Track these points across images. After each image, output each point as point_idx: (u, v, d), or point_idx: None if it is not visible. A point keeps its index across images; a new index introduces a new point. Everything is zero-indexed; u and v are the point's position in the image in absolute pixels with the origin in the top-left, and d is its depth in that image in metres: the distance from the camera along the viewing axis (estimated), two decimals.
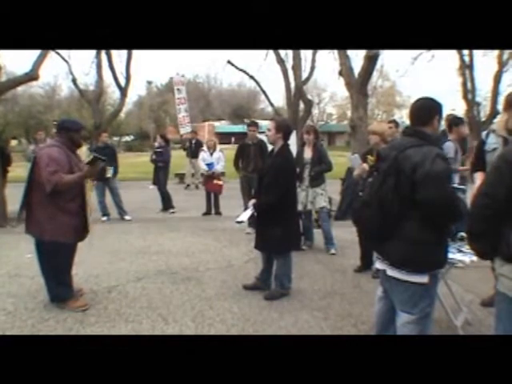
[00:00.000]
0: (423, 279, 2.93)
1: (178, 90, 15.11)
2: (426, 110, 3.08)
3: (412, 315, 3.04)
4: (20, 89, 25.83)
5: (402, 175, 2.83)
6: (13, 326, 4.49)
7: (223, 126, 53.70)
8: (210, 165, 10.39)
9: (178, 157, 15.75)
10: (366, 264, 6.10)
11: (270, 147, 5.60)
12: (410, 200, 2.82)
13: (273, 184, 4.97)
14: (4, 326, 4.50)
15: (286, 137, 5.14)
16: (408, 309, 3.05)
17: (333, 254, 7.06)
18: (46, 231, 4.70)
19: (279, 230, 5.00)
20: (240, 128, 41.01)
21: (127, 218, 10.20)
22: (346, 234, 7.67)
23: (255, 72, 18.10)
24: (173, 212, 11.13)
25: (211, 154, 10.59)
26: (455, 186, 4.40)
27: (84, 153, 11.67)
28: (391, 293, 3.21)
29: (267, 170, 5.12)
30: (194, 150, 16.19)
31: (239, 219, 5.41)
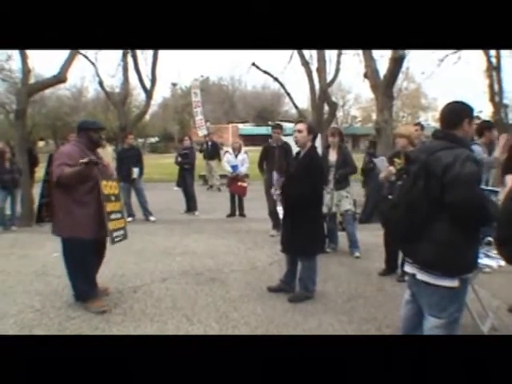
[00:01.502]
0: (453, 283, 2.90)
1: (195, 93, 15.26)
2: (456, 113, 3.05)
3: (440, 319, 3.01)
4: (47, 91, 26.30)
5: (433, 177, 2.81)
6: (40, 324, 4.57)
7: (247, 128, 53.72)
8: (234, 167, 10.41)
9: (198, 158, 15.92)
10: (390, 267, 6.05)
11: (294, 149, 5.61)
12: (439, 202, 2.79)
13: (298, 184, 4.99)
14: (32, 323, 4.59)
15: (314, 139, 5.20)
16: (436, 313, 3.02)
17: (357, 256, 7.01)
18: (65, 228, 4.78)
19: (305, 232, 5.01)
20: (264, 130, 40.93)
21: (152, 218, 10.29)
22: (370, 236, 7.63)
23: (279, 74, 17.96)
24: (197, 214, 11.19)
25: (236, 156, 10.61)
26: (489, 188, 4.34)
27: (110, 154, 11.84)
28: (419, 296, 3.18)
29: (294, 171, 5.14)
30: (210, 151, 16.32)
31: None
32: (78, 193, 4.73)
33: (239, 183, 10.31)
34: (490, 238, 4.26)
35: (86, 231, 4.79)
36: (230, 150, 11.00)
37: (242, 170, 10.45)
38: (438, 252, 2.86)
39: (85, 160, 4.45)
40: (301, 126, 5.11)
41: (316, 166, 5.14)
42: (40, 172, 11.29)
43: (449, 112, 3.09)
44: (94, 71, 19.43)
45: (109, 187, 5.00)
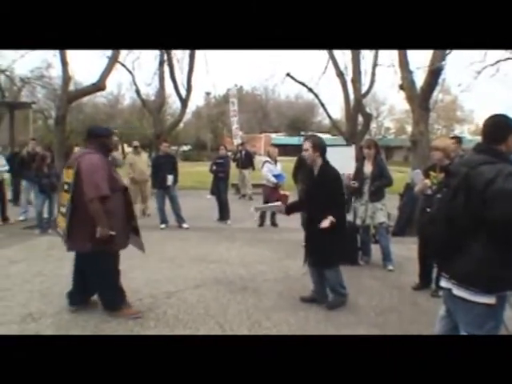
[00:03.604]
0: (490, 300, 2.84)
1: (232, 102, 15.40)
2: (501, 127, 2.99)
3: None
4: (85, 98, 26.92)
5: (473, 192, 2.77)
6: (76, 325, 4.67)
7: (280, 137, 53.80)
8: (278, 176, 10.37)
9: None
10: (424, 282, 5.97)
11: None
12: (479, 217, 2.75)
13: (331, 204, 5.04)
14: (68, 324, 4.70)
15: (324, 154, 5.18)
16: (473, 330, 2.96)
17: (390, 270, 6.94)
18: (96, 241, 4.63)
19: (331, 243, 5.07)
20: (296, 140, 40.91)
21: (185, 225, 10.36)
22: (403, 250, 7.56)
23: (314, 85, 17.94)
24: (229, 222, 11.25)
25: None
26: None
27: (144, 161, 12.04)
28: (455, 312, 3.13)
29: (315, 190, 5.21)
30: (243, 160, 16.38)
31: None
32: (110, 204, 4.68)
33: (282, 192, 10.28)
34: None
35: (120, 242, 4.84)
36: (269, 158, 10.82)
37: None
38: (477, 268, 2.81)
39: (112, 233, 4.60)
40: (306, 145, 5.18)
41: (333, 181, 5.15)
42: None
43: (493, 126, 3.03)
44: (131, 79, 19.86)
45: (67, 175, 4.93)
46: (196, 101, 78.17)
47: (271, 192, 10.41)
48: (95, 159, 4.74)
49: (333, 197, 5.07)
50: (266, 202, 10.59)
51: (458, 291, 2.98)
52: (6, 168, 11.19)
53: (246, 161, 16.57)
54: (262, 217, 10.78)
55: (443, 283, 3.15)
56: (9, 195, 14.00)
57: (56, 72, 29.85)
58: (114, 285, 4.99)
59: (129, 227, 5.02)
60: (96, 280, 4.96)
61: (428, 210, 4.84)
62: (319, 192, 5.11)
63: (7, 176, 11.58)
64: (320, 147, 5.15)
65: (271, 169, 10.46)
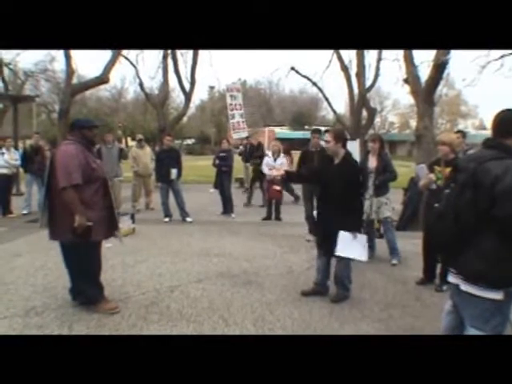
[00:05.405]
0: (498, 296, 2.82)
1: (232, 96, 15.28)
2: (508, 121, 2.95)
3: (483, 332, 2.94)
4: (88, 92, 26.80)
5: (481, 188, 2.73)
6: (80, 319, 4.66)
7: (284, 131, 53.61)
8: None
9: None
10: (428, 277, 5.96)
11: None
12: (487, 214, 2.72)
13: (348, 195, 5.06)
14: (71, 318, 4.69)
15: (345, 145, 5.28)
16: (479, 325, 2.94)
17: (394, 264, 6.92)
18: (71, 231, 4.61)
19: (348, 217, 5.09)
20: (300, 134, 40.83)
21: (189, 219, 10.35)
22: (407, 244, 7.53)
23: (318, 79, 17.90)
24: (233, 216, 11.26)
25: (275, 160, 10.54)
26: None
27: (148, 154, 12.02)
28: (462, 307, 3.11)
29: (332, 178, 5.15)
30: (248, 154, 16.35)
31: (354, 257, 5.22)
32: (86, 194, 4.66)
33: (273, 187, 10.28)
34: None
35: (98, 233, 4.77)
36: (270, 153, 10.90)
37: (274, 172, 10.44)
38: (486, 264, 2.78)
39: (89, 224, 4.56)
40: (328, 136, 5.26)
41: (355, 171, 5.28)
42: None
43: (501, 120, 2.98)
44: (135, 73, 19.81)
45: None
46: (200, 95, 78.04)
47: (268, 186, 10.50)
48: (70, 148, 4.72)
49: (351, 188, 5.10)
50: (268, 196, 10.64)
51: (465, 287, 2.95)
52: (19, 162, 11.19)
53: (250, 155, 16.50)
54: (269, 211, 10.77)
55: (450, 278, 3.13)
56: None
57: (60, 65, 29.80)
58: (93, 278, 4.94)
59: (107, 218, 4.93)
60: (74, 271, 4.93)
61: (436, 205, 4.82)
62: (338, 182, 5.10)
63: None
64: (341, 138, 5.23)
65: (268, 163, 10.54)
